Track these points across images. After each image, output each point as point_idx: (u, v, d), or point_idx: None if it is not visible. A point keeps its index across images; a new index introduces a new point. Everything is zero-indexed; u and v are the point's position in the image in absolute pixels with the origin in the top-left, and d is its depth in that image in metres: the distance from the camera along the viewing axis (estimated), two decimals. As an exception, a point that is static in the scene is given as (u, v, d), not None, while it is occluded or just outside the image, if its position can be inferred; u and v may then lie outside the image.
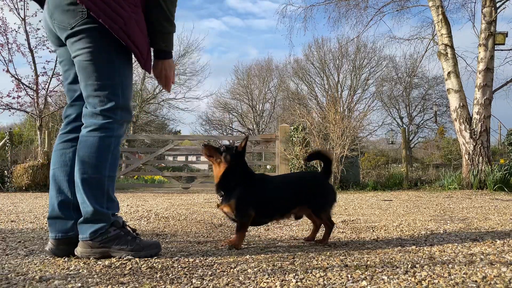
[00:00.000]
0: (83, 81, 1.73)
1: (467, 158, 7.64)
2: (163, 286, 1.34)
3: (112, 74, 1.71)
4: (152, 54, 1.87)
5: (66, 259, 1.74)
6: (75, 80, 1.84)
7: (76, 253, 1.75)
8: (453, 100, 7.95)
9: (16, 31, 8.71)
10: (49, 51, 9.03)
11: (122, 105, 1.75)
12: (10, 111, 8.90)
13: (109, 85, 1.72)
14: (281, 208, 2.12)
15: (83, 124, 1.77)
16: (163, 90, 1.98)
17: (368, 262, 1.65)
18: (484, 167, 7.35)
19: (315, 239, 2.22)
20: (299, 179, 2.32)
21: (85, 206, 1.69)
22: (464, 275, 1.43)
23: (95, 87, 1.70)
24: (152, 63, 1.89)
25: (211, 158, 2.11)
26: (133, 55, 1.80)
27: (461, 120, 7.78)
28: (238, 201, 1.98)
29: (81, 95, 1.81)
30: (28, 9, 8.72)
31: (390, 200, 5.24)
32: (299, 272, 1.49)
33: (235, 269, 1.56)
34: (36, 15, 8.80)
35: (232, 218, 2.03)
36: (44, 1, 1.79)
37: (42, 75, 8.85)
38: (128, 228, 1.84)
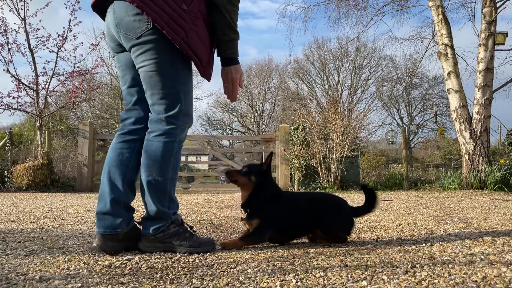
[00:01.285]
0: (149, 90, 1.85)
1: (467, 158, 7.64)
2: (163, 286, 1.34)
3: (175, 83, 1.83)
4: (213, 62, 1.99)
5: (66, 259, 1.74)
6: (133, 85, 1.96)
7: (139, 247, 1.89)
8: (453, 100, 7.95)
9: (16, 31, 8.71)
10: (49, 51, 9.03)
11: (185, 111, 1.87)
12: (10, 111, 8.89)
13: (173, 93, 1.83)
14: (300, 230, 2.10)
15: (141, 127, 1.92)
16: (228, 100, 2.06)
17: (368, 262, 1.65)
18: (484, 167, 7.35)
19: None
20: (322, 201, 2.20)
21: (150, 206, 1.87)
22: (464, 275, 1.43)
23: (160, 95, 1.83)
24: (220, 70, 2.02)
25: (237, 183, 2.08)
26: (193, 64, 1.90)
27: (461, 120, 7.78)
28: (260, 225, 1.98)
29: (139, 100, 1.94)
30: (28, 9, 8.73)
31: (390, 200, 5.24)
32: (299, 272, 1.49)
33: (235, 269, 1.56)
34: (36, 15, 8.80)
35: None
36: (105, 11, 1.90)
37: (42, 75, 8.86)
38: (186, 226, 1.97)
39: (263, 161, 2.09)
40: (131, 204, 1.96)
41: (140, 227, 1.94)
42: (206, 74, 1.93)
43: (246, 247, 2.05)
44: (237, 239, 2.03)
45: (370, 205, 2.19)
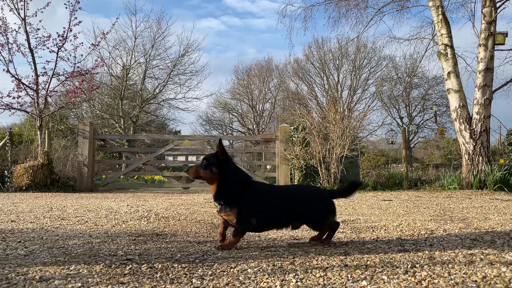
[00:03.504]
0: None
1: (467, 158, 7.64)
2: (163, 286, 1.34)
3: None
4: None
5: (66, 259, 1.74)
6: None
7: None
8: (453, 100, 7.95)
9: (16, 31, 8.70)
10: (49, 51, 9.02)
11: None
12: (10, 111, 8.87)
13: None
14: (281, 219, 2.08)
15: None
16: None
17: (368, 262, 1.65)
18: (484, 167, 7.34)
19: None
20: (303, 193, 2.22)
21: None
22: (464, 275, 1.43)
23: None
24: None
25: (201, 178, 2.06)
26: None
27: (461, 120, 7.77)
28: (240, 210, 1.96)
29: None
30: (28, 9, 8.71)
31: (390, 200, 5.24)
32: (299, 272, 1.49)
33: (235, 269, 1.56)
34: (36, 15, 8.79)
35: (232, 224, 2.03)
36: None
37: (42, 75, 8.85)
38: None
39: (218, 151, 2.02)
40: None
41: None
42: None
43: (246, 247, 2.04)
44: (232, 237, 2.01)
45: (347, 192, 2.24)
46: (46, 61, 9.10)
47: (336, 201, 2.19)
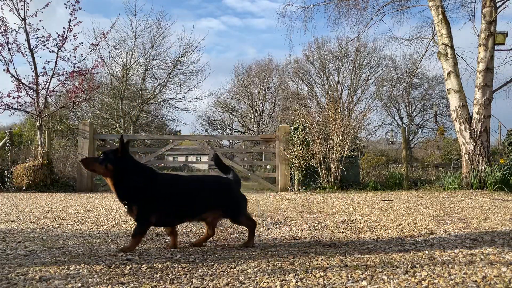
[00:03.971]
0: None
1: (467, 158, 7.64)
2: (163, 286, 1.34)
3: None
4: None
5: (66, 259, 1.74)
6: None
7: None
8: (453, 100, 7.95)
9: (16, 31, 8.70)
10: (49, 51, 9.02)
11: None
12: (10, 111, 8.87)
13: None
14: (189, 212, 2.03)
15: None
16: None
17: (368, 262, 1.65)
18: (484, 167, 7.34)
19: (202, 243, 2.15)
20: (210, 183, 2.19)
21: None
22: (464, 275, 1.43)
23: None
24: None
25: (95, 172, 1.99)
26: None
27: (461, 120, 7.78)
28: (138, 210, 1.91)
29: None
30: (28, 9, 8.71)
31: (390, 200, 5.24)
32: (299, 272, 1.49)
33: (235, 269, 1.56)
34: (36, 15, 8.79)
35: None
36: None
37: (42, 75, 8.84)
38: None
39: (118, 148, 1.97)
40: None
41: None
42: None
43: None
44: (132, 239, 1.95)
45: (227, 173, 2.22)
46: (46, 61, 9.10)
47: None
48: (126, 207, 1.94)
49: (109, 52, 22.17)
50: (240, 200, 2.12)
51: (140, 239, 1.99)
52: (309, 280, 1.39)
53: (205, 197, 2.04)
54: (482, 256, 1.73)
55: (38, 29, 8.84)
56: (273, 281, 1.39)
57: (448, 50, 8.10)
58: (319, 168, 7.66)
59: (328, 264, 1.63)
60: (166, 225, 2.08)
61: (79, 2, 8.95)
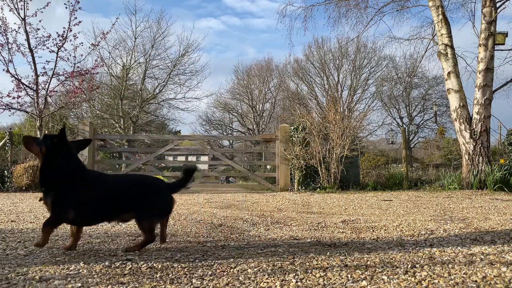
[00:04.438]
0: None
1: (467, 158, 7.64)
2: (163, 286, 1.34)
3: None
4: None
5: (66, 259, 1.74)
6: None
7: None
8: (453, 100, 7.95)
9: (16, 31, 8.70)
10: (49, 51, 9.02)
11: None
12: (10, 111, 8.88)
13: None
14: (107, 212, 1.96)
15: None
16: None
17: (368, 262, 1.65)
18: (484, 167, 7.34)
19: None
20: (134, 183, 2.08)
21: None
22: (464, 275, 1.43)
23: None
24: None
25: (31, 151, 1.97)
26: None
27: (461, 120, 7.77)
28: (54, 202, 1.85)
29: None
30: (28, 9, 8.72)
31: (390, 200, 5.24)
32: (299, 272, 1.49)
33: (235, 269, 1.56)
34: (36, 15, 8.79)
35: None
36: None
37: (42, 75, 8.85)
38: None
39: (58, 135, 1.94)
40: None
41: None
42: None
43: (246, 247, 2.04)
44: (41, 233, 1.87)
45: (184, 181, 2.15)
46: (46, 61, 9.10)
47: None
48: (43, 195, 1.88)
49: (109, 52, 22.17)
50: (154, 208, 1.99)
51: (51, 230, 1.90)
52: (309, 280, 1.39)
53: (124, 198, 1.97)
54: (482, 256, 1.73)
55: (38, 29, 8.84)
56: (273, 281, 1.39)
57: (448, 50, 8.10)
58: (319, 168, 7.66)
59: (328, 264, 1.63)
60: (83, 224, 2.01)
61: (79, 2, 8.96)
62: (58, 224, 1.92)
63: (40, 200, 1.92)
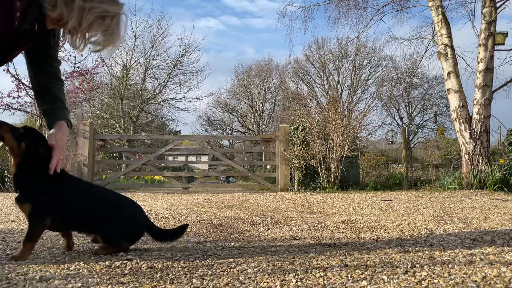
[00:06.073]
0: None
1: (467, 158, 7.64)
2: (163, 286, 1.34)
3: None
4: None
5: (66, 259, 1.74)
6: None
7: None
8: (453, 100, 7.95)
9: (16, 31, 8.70)
10: (49, 51, 9.02)
11: None
12: (10, 111, 8.89)
13: None
14: (78, 224, 1.85)
15: None
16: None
17: (368, 262, 1.65)
18: (484, 167, 7.34)
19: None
20: (112, 201, 1.97)
21: None
22: (464, 275, 1.43)
23: None
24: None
25: (2, 141, 1.69)
26: None
27: (461, 120, 7.77)
28: (34, 207, 1.68)
29: None
30: (28, 9, 8.74)
31: (390, 200, 5.24)
32: (299, 272, 1.49)
33: (235, 269, 1.56)
34: (36, 15, 8.80)
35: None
36: None
37: (42, 75, 8.84)
38: None
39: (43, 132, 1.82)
40: None
41: None
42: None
43: (246, 247, 2.04)
44: (23, 245, 1.71)
45: (176, 234, 2.06)
46: (46, 61, 9.09)
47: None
48: (18, 194, 1.71)
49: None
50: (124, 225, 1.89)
51: (34, 244, 1.74)
52: (309, 280, 1.39)
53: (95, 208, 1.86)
54: (482, 256, 1.73)
55: (38, 29, 8.83)
56: (273, 281, 1.39)
57: (448, 50, 8.10)
58: (319, 168, 7.66)
59: (328, 264, 1.63)
60: (58, 230, 1.93)
61: (79, 2, 8.94)
62: (40, 235, 1.78)
63: (16, 201, 1.73)
